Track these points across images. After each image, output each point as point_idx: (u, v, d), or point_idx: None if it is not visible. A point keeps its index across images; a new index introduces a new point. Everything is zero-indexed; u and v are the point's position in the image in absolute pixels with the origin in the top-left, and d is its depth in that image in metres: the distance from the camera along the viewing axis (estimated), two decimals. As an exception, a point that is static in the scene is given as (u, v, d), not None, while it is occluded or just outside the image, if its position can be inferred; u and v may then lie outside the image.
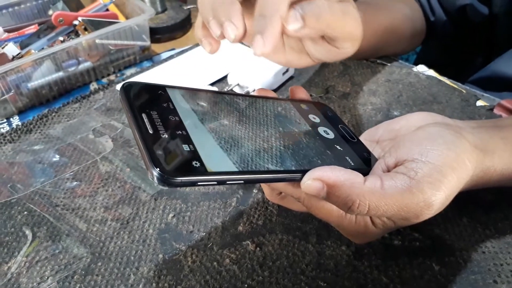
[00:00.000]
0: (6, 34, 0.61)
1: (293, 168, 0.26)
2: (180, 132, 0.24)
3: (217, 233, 0.38)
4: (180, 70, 0.59)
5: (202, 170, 0.22)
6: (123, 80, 0.57)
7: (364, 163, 0.30)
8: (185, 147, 0.23)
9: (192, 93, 0.29)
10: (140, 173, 0.44)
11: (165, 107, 0.26)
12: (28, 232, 0.39)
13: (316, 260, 0.35)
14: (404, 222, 0.28)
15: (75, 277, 0.35)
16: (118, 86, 0.56)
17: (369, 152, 0.31)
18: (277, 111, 0.31)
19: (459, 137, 0.28)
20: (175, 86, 0.29)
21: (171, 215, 0.40)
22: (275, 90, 0.54)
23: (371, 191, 0.25)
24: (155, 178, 0.21)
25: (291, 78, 0.57)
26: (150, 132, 0.23)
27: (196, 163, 0.22)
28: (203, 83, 0.55)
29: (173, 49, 0.64)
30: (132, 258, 0.36)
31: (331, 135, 0.32)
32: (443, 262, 0.34)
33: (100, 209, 0.41)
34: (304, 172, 0.26)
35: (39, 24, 0.63)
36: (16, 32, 0.61)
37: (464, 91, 0.52)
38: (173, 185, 0.21)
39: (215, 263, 0.35)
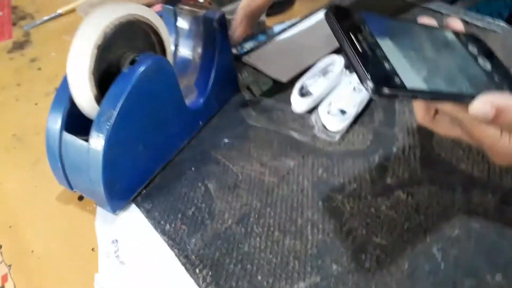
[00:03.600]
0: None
1: (466, 92, 0.30)
2: (382, 54, 0.28)
3: (367, 184, 0.43)
4: (294, 41, 0.63)
5: (402, 86, 0.27)
6: (245, 53, 0.63)
7: None
8: (388, 66, 0.27)
9: (383, 20, 0.32)
10: (285, 134, 0.50)
11: (366, 31, 0.29)
12: (200, 184, 0.46)
13: (466, 207, 0.39)
14: None
15: (251, 219, 0.42)
16: (244, 58, 0.61)
17: None
18: (447, 41, 0.35)
19: None
20: (370, 13, 0.32)
21: (320, 170, 0.45)
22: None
23: None
24: (369, 89, 0.26)
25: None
26: (360, 51, 0.27)
27: (397, 80, 0.27)
28: (317, 55, 0.59)
29: (283, 22, 0.69)
30: (295, 205, 0.42)
31: (488, 66, 0.35)
32: None
33: (258, 164, 0.47)
34: (473, 96, 0.30)
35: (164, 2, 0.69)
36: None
37: None
38: (382, 95, 0.26)
39: (372, 209, 0.41)
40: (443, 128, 0.35)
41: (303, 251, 0.38)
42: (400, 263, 0.36)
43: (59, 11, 0.78)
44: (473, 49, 0.36)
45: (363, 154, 0.46)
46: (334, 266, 0.36)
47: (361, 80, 0.26)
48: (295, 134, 0.50)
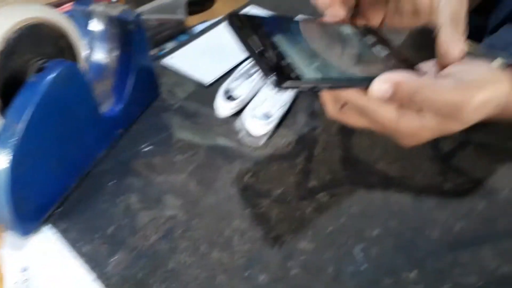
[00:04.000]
0: (44, 12, 0.62)
1: (364, 77, 0.33)
2: (280, 52, 0.30)
3: (293, 188, 0.43)
4: (217, 42, 0.62)
5: (300, 78, 0.29)
6: (166, 54, 0.61)
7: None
8: (286, 62, 0.29)
9: (277, 21, 0.34)
10: (210, 140, 0.49)
11: (264, 33, 0.31)
12: (121, 199, 0.44)
13: (384, 206, 0.41)
14: (449, 125, 0.33)
15: (176, 233, 0.40)
16: (164, 60, 0.59)
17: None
18: (344, 34, 0.37)
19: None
20: (266, 16, 0.34)
21: (247, 176, 0.45)
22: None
23: (427, 83, 0.31)
24: (272, 83, 0.28)
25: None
26: (261, 52, 0.29)
27: (296, 73, 0.29)
28: (241, 56, 0.59)
29: (205, 21, 0.67)
30: (223, 214, 0.42)
31: (384, 53, 0.37)
32: (487, 200, 0.41)
33: (183, 174, 0.46)
34: (370, 80, 0.32)
35: (74, 0, 0.64)
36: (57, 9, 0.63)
37: (479, 52, 0.59)
38: (283, 88, 0.28)
39: (298, 213, 0.41)
40: (351, 119, 0.36)
41: (230, 263, 0.37)
42: (325, 267, 0.37)
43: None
44: (369, 39, 0.38)
45: (288, 158, 0.47)
46: (262, 276, 0.37)
47: (265, 76, 0.28)
48: (220, 140, 0.49)
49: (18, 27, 0.37)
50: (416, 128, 0.33)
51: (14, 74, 0.39)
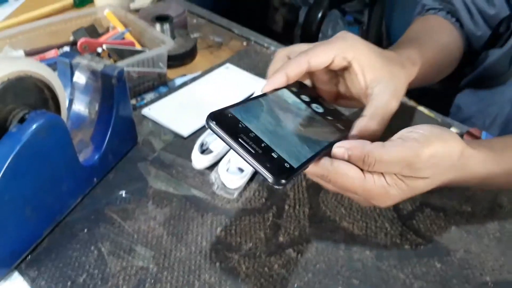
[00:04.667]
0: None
1: (324, 144, 0.36)
2: (266, 146, 0.32)
3: (262, 243, 0.45)
4: (195, 96, 0.65)
5: (292, 168, 0.31)
6: (145, 104, 0.63)
7: (346, 123, 0.41)
8: (275, 155, 0.31)
9: (245, 107, 0.35)
10: (184, 192, 0.50)
11: (243, 128, 0.32)
12: (93, 248, 0.44)
13: (348, 263, 0.43)
14: (411, 183, 0.36)
15: (146, 285, 0.41)
16: (143, 111, 0.61)
17: (343, 114, 0.43)
18: (290, 102, 0.39)
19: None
20: (233, 105, 0.35)
21: (219, 229, 0.47)
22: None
23: (375, 145, 0.35)
24: (273, 184, 0.30)
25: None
26: (251, 151, 0.31)
27: (287, 165, 0.31)
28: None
29: (184, 75, 0.70)
30: (193, 267, 0.43)
31: (320, 108, 0.41)
32: (442, 261, 0.44)
33: (156, 224, 0.47)
34: (328, 146, 0.36)
35: (58, 48, 0.67)
36: (37, 56, 0.65)
37: (440, 120, 0.64)
38: (282, 185, 0.30)
39: (266, 268, 0.43)
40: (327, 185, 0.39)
41: (199, 318, 0.38)
42: (291, 323, 0.38)
43: None
44: (305, 98, 0.41)
45: (259, 212, 0.48)
46: (229, 332, 0.37)
47: (265, 178, 0.30)
48: (195, 192, 0.51)
49: (3, 80, 0.39)
50: (380, 187, 0.36)
51: (-4, 123, 0.40)
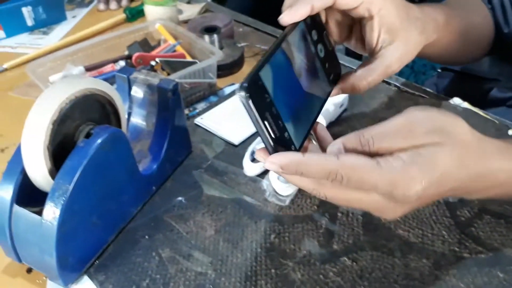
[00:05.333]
0: (87, 74, 0.68)
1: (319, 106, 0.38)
2: (283, 125, 0.33)
3: (316, 250, 0.46)
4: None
5: (296, 150, 0.33)
6: (197, 114, 0.65)
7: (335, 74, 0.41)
8: (287, 136, 0.33)
9: (271, 65, 0.33)
10: (238, 199, 0.52)
11: (269, 102, 0.32)
12: (154, 253, 0.46)
13: (404, 271, 0.43)
14: (428, 153, 0.32)
15: (206, 290, 0.43)
16: (195, 120, 0.63)
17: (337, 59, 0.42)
18: (303, 41, 0.38)
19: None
20: (262, 64, 0.32)
21: (272, 236, 0.48)
22: (333, 122, 0.63)
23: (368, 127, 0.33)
24: None
25: (345, 110, 0.65)
26: (273, 136, 0.32)
27: (293, 147, 0.33)
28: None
29: (233, 83, 0.72)
30: (249, 273, 0.44)
31: (322, 53, 0.40)
32: (505, 270, 0.43)
33: (211, 231, 0.48)
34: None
35: (114, 62, 0.71)
36: (95, 71, 0.69)
37: (497, 122, 0.61)
38: None
39: (321, 276, 0.43)
40: (330, 191, 0.34)
41: (257, 324, 0.39)
42: (348, 331, 0.39)
43: (5, 65, 0.76)
44: (314, 35, 0.40)
45: (311, 219, 0.49)
46: (288, 338, 0.38)
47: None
48: (247, 198, 0.52)
49: (71, 98, 0.42)
50: (400, 169, 0.31)
51: (65, 138, 0.43)
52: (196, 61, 0.70)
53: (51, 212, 0.40)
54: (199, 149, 0.60)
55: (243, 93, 0.30)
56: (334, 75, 0.41)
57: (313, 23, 0.40)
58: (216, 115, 0.65)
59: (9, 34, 0.87)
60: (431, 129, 0.33)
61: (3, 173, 0.43)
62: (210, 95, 0.70)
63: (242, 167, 0.56)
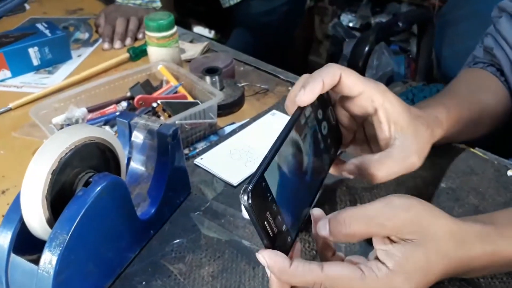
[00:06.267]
0: (90, 115, 0.69)
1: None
2: (282, 221, 0.34)
3: (314, 298, 0.45)
4: (244, 144, 0.67)
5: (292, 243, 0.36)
6: (197, 154, 0.66)
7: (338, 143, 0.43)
8: (285, 228, 0.34)
9: (275, 163, 0.35)
10: (236, 243, 0.52)
11: (270, 201, 0.34)
12: (151, 300, 0.46)
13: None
14: (405, 251, 0.34)
15: None
16: (195, 161, 0.64)
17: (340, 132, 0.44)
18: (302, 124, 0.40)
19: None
20: (266, 165, 0.34)
21: (270, 282, 0.47)
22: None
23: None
24: None
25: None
26: (270, 235, 0.33)
27: (289, 239, 0.36)
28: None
29: (233, 122, 0.73)
30: (246, 322, 0.44)
31: (326, 129, 0.41)
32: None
33: (209, 276, 0.48)
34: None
35: (116, 103, 0.72)
36: (98, 112, 0.70)
37: (496, 162, 0.61)
38: None
39: (318, 325, 0.43)
40: None
41: None
42: None
43: (10, 105, 0.78)
44: (319, 113, 0.41)
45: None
46: None
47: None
48: (245, 243, 0.52)
49: (71, 147, 0.43)
50: (385, 277, 0.33)
51: (64, 187, 0.44)
52: (198, 101, 0.71)
53: (48, 262, 0.40)
54: (199, 190, 0.60)
55: (245, 198, 0.32)
56: (335, 146, 0.42)
57: (320, 102, 0.42)
58: (216, 155, 0.65)
59: (15, 74, 0.89)
60: (409, 224, 0.34)
61: (3, 218, 0.43)
62: (211, 135, 0.70)
63: (240, 210, 0.56)
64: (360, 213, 0.35)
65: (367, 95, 0.42)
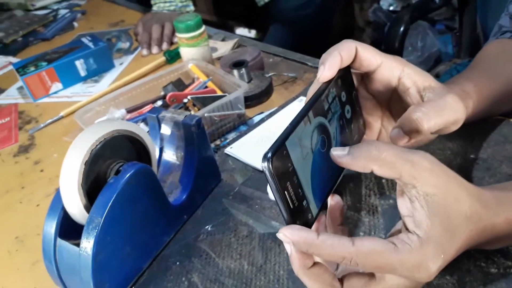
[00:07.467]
0: (128, 115, 0.74)
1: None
2: (302, 194, 0.34)
3: (337, 270, 0.46)
4: (271, 131, 0.69)
5: (312, 220, 0.35)
6: (228, 144, 0.69)
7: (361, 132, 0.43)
8: (305, 205, 0.34)
9: (296, 134, 0.35)
10: (262, 223, 0.54)
11: (291, 172, 0.33)
12: (184, 279, 0.49)
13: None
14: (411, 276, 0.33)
15: (230, 313, 0.45)
16: (226, 150, 0.67)
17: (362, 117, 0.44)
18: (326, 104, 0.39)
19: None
20: (287, 135, 0.34)
21: (294, 258, 0.49)
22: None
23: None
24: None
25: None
26: (291, 206, 0.33)
27: (310, 216, 0.35)
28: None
29: (262, 112, 0.75)
30: (271, 295, 0.45)
31: (349, 113, 0.41)
32: (537, 285, 0.40)
33: (237, 255, 0.51)
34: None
35: (152, 102, 0.77)
36: (136, 112, 0.75)
37: (533, 128, 0.58)
38: None
39: (340, 295, 0.44)
40: (318, 278, 0.35)
41: None
42: None
43: (62, 113, 0.86)
44: (343, 95, 0.41)
45: (333, 240, 0.50)
46: None
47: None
48: (272, 222, 0.54)
49: (100, 140, 0.47)
50: (416, 249, 0.32)
51: (98, 176, 0.48)
52: (226, 94, 0.74)
53: (87, 243, 0.45)
54: (229, 177, 0.63)
55: (266, 164, 0.31)
56: (359, 135, 0.42)
57: (343, 84, 0.42)
58: (244, 144, 0.68)
59: (66, 85, 0.97)
60: (433, 175, 0.33)
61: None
62: (240, 125, 0.73)
63: (267, 192, 0.58)
64: (390, 145, 0.33)
65: (386, 65, 0.42)
